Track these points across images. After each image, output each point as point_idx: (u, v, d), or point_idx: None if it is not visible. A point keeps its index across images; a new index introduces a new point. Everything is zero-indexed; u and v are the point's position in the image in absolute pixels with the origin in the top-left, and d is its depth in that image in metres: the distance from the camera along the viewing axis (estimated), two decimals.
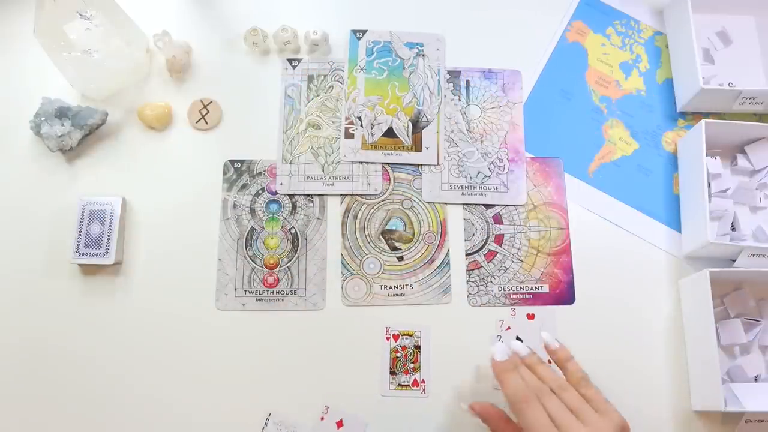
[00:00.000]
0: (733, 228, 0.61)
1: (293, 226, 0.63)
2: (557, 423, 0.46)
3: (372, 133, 0.65)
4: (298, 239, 0.62)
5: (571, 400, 0.48)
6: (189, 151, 0.65)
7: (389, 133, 0.65)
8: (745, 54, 0.70)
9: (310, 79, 0.67)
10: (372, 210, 0.63)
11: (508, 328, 0.60)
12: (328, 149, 0.65)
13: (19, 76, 0.67)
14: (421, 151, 0.65)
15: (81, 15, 0.60)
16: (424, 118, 0.66)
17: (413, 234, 0.63)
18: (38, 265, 0.60)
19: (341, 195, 0.64)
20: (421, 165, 0.65)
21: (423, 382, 0.58)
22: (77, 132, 0.62)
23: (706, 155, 0.60)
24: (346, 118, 0.65)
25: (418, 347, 0.59)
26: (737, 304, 0.60)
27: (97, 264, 0.60)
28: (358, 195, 0.64)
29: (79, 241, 0.60)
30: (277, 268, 0.61)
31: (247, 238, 0.62)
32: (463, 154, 0.65)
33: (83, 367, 0.58)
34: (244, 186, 0.64)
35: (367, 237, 0.63)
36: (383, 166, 0.65)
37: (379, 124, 0.65)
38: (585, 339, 0.59)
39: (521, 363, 0.51)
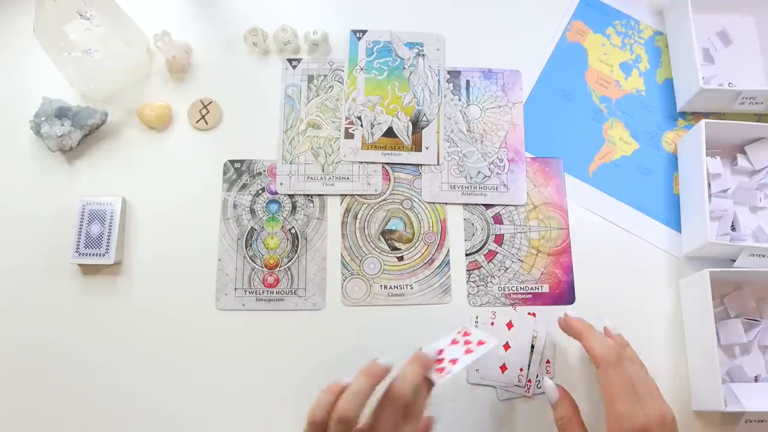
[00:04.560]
0: (733, 228, 0.61)
1: (293, 226, 0.63)
2: (637, 390, 0.47)
3: (372, 133, 0.65)
4: (298, 239, 0.62)
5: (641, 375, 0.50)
6: (189, 151, 0.65)
7: (389, 133, 0.65)
8: (745, 54, 0.70)
9: (310, 79, 0.67)
10: (372, 210, 0.63)
11: (492, 324, 0.60)
12: (328, 149, 0.65)
13: (19, 76, 0.67)
14: (421, 151, 0.65)
15: (81, 15, 0.60)
16: (424, 118, 0.66)
17: (413, 234, 0.63)
18: (38, 265, 0.60)
19: (341, 195, 0.64)
20: (421, 165, 0.65)
21: None
22: (77, 132, 0.62)
23: (706, 155, 0.60)
24: (346, 118, 0.65)
25: None
26: (737, 304, 0.60)
27: (97, 264, 0.60)
28: (358, 195, 0.64)
29: (79, 241, 0.60)
30: (277, 268, 0.61)
31: (247, 238, 0.62)
32: (463, 154, 0.65)
33: (83, 367, 0.58)
34: (244, 186, 0.64)
35: (367, 237, 0.63)
36: (383, 166, 0.65)
37: (379, 124, 0.65)
38: None
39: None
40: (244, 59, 0.68)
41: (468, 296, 0.61)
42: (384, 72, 0.67)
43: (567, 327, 0.55)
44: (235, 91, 0.67)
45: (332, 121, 0.66)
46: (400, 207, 0.64)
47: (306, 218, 0.63)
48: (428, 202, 0.64)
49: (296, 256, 0.62)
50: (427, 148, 0.65)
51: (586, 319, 0.60)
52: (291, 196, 0.63)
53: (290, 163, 0.64)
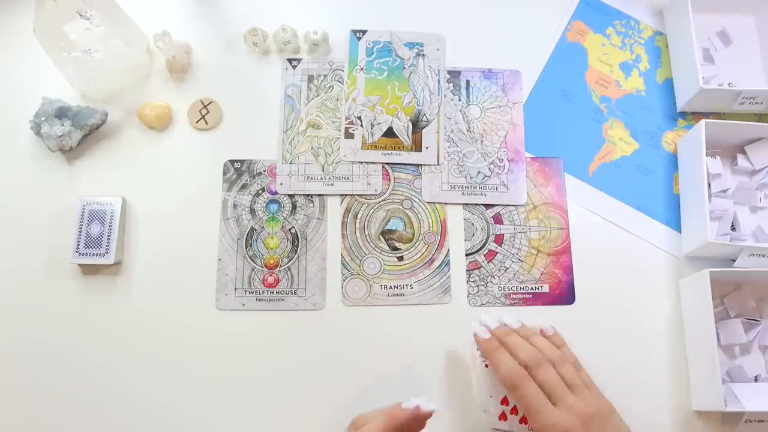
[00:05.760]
0: (733, 228, 0.61)
1: (293, 226, 0.63)
2: (549, 392, 0.48)
3: (372, 133, 0.65)
4: (298, 239, 0.62)
5: (568, 373, 0.50)
6: (189, 151, 0.65)
7: (389, 133, 0.65)
8: (745, 54, 0.70)
9: (310, 79, 0.67)
10: (372, 210, 0.63)
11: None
12: (328, 149, 0.65)
13: (19, 76, 0.67)
14: (421, 151, 0.65)
15: (81, 15, 0.60)
16: (424, 118, 0.66)
17: (413, 234, 0.63)
18: (38, 265, 0.60)
19: (341, 195, 0.64)
20: (421, 165, 0.65)
21: None
22: (77, 132, 0.62)
23: (706, 155, 0.60)
24: (346, 118, 0.65)
25: None
26: (737, 304, 0.60)
27: (97, 264, 0.60)
28: (358, 195, 0.64)
29: (79, 241, 0.60)
30: (277, 268, 0.61)
31: (247, 238, 0.62)
32: (463, 154, 0.65)
33: (83, 367, 0.58)
34: (244, 186, 0.64)
35: (367, 237, 0.63)
36: (383, 166, 0.65)
37: (379, 124, 0.65)
38: (585, 339, 0.59)
39: (507, 335, 0.52)
40: (244, 59, 0.68)
41: (468, 296, 0.61)
42: (384, 72, 0.67)
43: (478, 344, 0.54)
44: (235, 91, 0.67)
45: (332, 121, 0.66)
46: (400, 207, 0.64)
47: (306, 218, 0.63)
48: (428, 202, 0.64)
49: (296, 256, 0.62)
50: (427, 148, 0.65)
51: (586, 319, 0.60)
52: (291, 196, 0.63)
53: (290, 163, 0.64)
